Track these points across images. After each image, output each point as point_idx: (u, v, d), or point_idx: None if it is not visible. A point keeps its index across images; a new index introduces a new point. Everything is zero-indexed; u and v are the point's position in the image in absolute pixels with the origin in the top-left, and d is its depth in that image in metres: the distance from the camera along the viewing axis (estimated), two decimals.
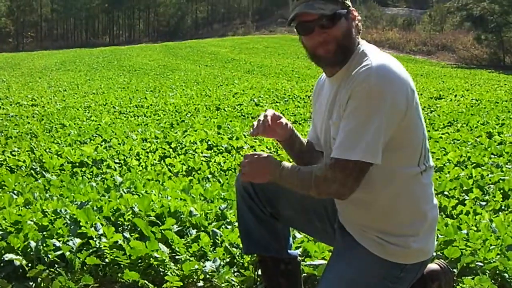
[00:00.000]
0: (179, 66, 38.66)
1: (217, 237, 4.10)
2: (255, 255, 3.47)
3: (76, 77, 32.46)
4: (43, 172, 7.52)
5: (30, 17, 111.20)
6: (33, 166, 7.86)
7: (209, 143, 9.43)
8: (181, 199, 5.15)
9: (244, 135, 10.24)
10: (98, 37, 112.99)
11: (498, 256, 3.80)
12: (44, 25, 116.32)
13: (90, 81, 29.19)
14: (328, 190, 2.69)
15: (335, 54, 2.76)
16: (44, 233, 3.96)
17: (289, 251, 3.37)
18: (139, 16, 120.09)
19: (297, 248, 3.91)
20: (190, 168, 7.76)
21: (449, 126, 11.46)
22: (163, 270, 3.73)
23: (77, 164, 8.07)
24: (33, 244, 3.70)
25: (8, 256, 3.58)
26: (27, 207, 4.93)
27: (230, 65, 39.28)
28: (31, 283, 3.51)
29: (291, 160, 3.22)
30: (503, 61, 47.16)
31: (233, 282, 3.67)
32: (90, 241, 3.87)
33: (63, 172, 7.62)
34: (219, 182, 6.73)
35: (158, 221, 4.33)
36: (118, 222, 4.36)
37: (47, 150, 9.01)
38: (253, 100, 17.44)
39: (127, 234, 4.02)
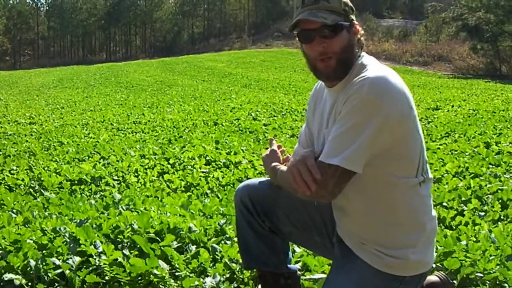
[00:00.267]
0: (176, 82, 38.69)
1: (216, 253, 4.10)
2: (255, 270, 3.48)
3: (74, 94, 32.49)
4: (42, 191, 7.52)
5: (27, 35, 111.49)
6: (32, 185, 7.85)
7: (207, 158, 9.43)
8: (180, 215, 5.14)
9: (242, 149, 10.24)
10: (95, 53, 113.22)
11: (498, 267, 3.80)
12: (41, 43, 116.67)
13: (88, 98, 29.21)
14: None
15: (335, 69, 2.78)
16: (44, 251, 3.96)
17: (288, 265, 3.38)
18: (135, 32, 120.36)
19: (296, 262, 3.91)
20: (188, 184, 7.75)
21: (447, 137, 11.46)
22: (163, 287, 3.72)
23: (76, 181, 8.07)
24: (32, 263, 3.70)
25: (8, 276, 3.57)
26: (26, 226, 4.93)
27: (227, 79, 39.31)
28: None
29: None
30: (499, 71, 47.20)
31: None
32: (90, 259, 3.87)
33: (61, 190, 7.61)
34: (218, 197, 6.73)
35: (157, 238, 4.33)
36: (118, 239, 4.36)
37: (46, 168, 9.01)
38: (251, 115, 17.44)
39: (126, 251, 4.01)
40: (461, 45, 56.09)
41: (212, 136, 12.74)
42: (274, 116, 17.12)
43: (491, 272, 3.74)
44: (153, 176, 8.38)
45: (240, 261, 3.50)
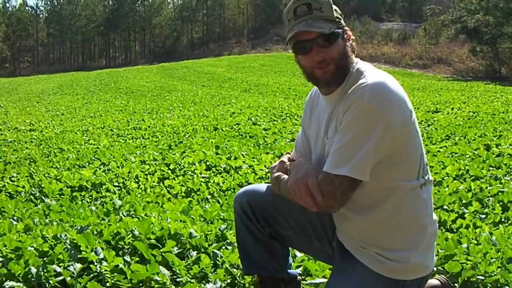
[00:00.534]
0: (176, 87, 38.68)
1: (217, 258, 4.10)
2: (255, 275, 3.48)
3: (74, 100, 32.49)
4: (43, 197, 7.51)
5: (26, 42, 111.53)
6: (32, 192, 7.85)
7: (208, 163, 9.43)
8: (181, 220, 5.14)
9: (242, 154, 10.24)
10: (95, 60, 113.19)
11: (499, 269, 3.79)
12: (41, 50, 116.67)
13: (88, 105, 29.21)
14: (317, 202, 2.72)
15: (333, 74, 2.79)
16: (45, 258, 3.96)
17: (289, 270, 3.38)
18: (134, 38, 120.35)
19: (298, 267, 3.91)
20: (189, 189, 7.75)
21: (447, 140, 11.45)
22: None
23: (76, 188, 8.06)
24: (33, 270, 3.70)
25: (9, 284, 3.57)
26: (27, 233, 4.92)
27: (226, 84, 39.31)
28: None
29: None
30: (499, 73, 47.21)
31: None
32: (91, 265, 3.87)
33: (62, 196, 7.61)
34: (219, 202, 6.73)
35: (158, 244, 4.33)
36: (119, 245, 4.36)
37: (46, 175, 9.01)
38: (251, 119, 17.44)
39: (127, 258, 4.01)
40: (461, 48, 56.11)
41: (212, 141, 12.74)
42: (274, 120, 17.12)
43: (493, 274, 3.74)
44: (153, 182, 8.38)
45: (241, 266, 3.50)
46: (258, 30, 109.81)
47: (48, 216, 6.05)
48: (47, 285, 3.63)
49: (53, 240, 4.39)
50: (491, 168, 7.91)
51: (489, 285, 3.70)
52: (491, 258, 3.96)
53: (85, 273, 3.79)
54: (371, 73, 2.76)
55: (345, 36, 2.85)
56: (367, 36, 73.81)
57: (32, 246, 4.18)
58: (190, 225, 4.89)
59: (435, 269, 3.75)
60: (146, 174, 8.85)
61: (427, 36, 66.11)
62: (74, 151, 12.57)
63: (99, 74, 60.48)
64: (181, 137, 14.22)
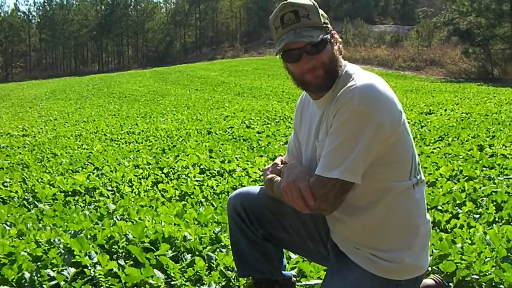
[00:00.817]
0: (169, 91, 38.64)
1: (212, 261, 4.09)
2: (250, 277, 3.48)
3: (67, 105, 32.43)
4: (36, 202, 7.49)
5: (18, 47, 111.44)
6: (26, 197, 7.82)
7: (201, 167, 9.42)
8: (175, 224, 5.14)
9: (236, 158, 10.24)
10: (87, 65, 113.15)
11: (494, 268, 3.80)
12: (33, 55, 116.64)
13: (81, 109, 29.16)
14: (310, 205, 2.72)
15: (323, 79, 2.79)
16: (38, 263, 3.96)
17: (283, 272, 3.38)
18: (127, 43, 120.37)
19: (292, 268, 3.90)
20: (183, 192, 7.74)
21: (440, 141, 11.46)
22: None
23: (70, 193, 8.04)
24: (27, 275, 3.69)
25: None
26: (21, 238, 4.91)
27: (220, 88, 39.29)
28: None
29: None
30: (491, 74, 47.25)
31: None
32: (85, 269, 3.86)
33: (55, 201, 7.59)
34: (213, 206, 6.73)
35: (152, 247, 4.32)
36: (112, 249, 4.35)
37: (39, 180, 8.98)
38: (244, 123, 17.43)
39: (121, 262, 4.00)
40: (453, 49, 56.16)
41: (205, 144, 12.72)
42: (268, 123, 17.11)
43: (487, 274, 3.74)
44: (147, 185, 8.36)
45: (235, 269, 3.50)
46: (251, 33, 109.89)
47: (41, 221, 6.03)
48: None
49: (47, 245, 4.38)
50: (484, 169, 7.92)
51: (484, 284, 3.70)
52: (486, 258, 3.96)
53: (79, 278, 3.78)
54: (360, 76, 2.76)
55: (333, 40, 2.85)
56: (360, 38, 73.87)
57: (25, 251, 4.17)
58: (184, 228, 4.88)
59: (429, 269, 3.75)
60: (140, 178, 8.83)
61: (419, 38, 66.20)
62: (67, 156, 12.53)
63: (92, 79, 60.40)
64: (175, 141, 14.21)
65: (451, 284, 3.70)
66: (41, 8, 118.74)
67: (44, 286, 3.63)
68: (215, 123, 18.04)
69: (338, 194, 2.66)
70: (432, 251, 4.02)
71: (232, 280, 3.85)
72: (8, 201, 7.59)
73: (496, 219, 5.43)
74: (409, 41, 68.32)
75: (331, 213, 2.78)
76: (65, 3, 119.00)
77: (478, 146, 10.04)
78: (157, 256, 4.08)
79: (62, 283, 3.65)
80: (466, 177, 7.36)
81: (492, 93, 26.70)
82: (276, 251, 3.33)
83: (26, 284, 3.65)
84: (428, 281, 3.35)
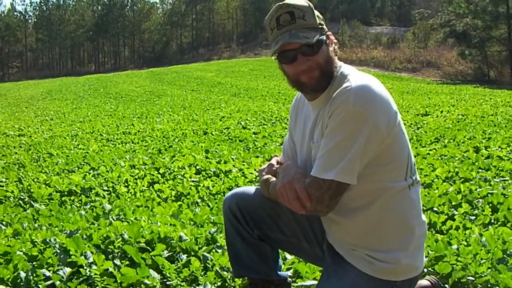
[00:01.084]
0: (166, 92, 38.62)
1: (207, 261, 4.08)
2: (246, 278, 3.47)
3: (63, 105, 32.41)
4: (32, 202, 7.49)
5: (15, 47, 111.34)
6: (21, 196, 7.81)
7: (197, 167, 9.41)
8: (170, 224, 5.13)
9: (232, 158, 10.23)
10: (84, 65, 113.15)
11: (489, 270, 3.80)
12: (30, 55, 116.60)
13: (77, 110, 29.15)
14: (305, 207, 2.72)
15: (319, 80, 2.78)
16: (34, 263, 3.95)
17: (279, 272, 3.38)
18: (124, 43, 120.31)
19: (288, 269, 3.90)
20: (179, 193, 7.73)
21: (436, 142, 11.46)
22: None
23: (66, 193, 8.03)
24: (23, 274, 3.68)
25: None
26: (16, 237, 4.91)
27: (216, 89, 39.26)
28: None
29: None
30: (487, 76, 47.30)
31: None
32: (81, 269, 3.85)
33: (51, 201, 7.58)
34: (209, 206, 6.72)
35: (148, 247, 4.32)
36: (108, 249, 4.34)
37: (35, 180, 8.98)
38: (240, 123, 17.43)
39: (117, 262, 4.00)
40: (449, 51, 56.25)
41: (202, 145, 12.72)
42: (264, 124, 17.12)
43: (483, 275, 3.74)
44: (143, 186, 8.35)
45: (231, 269, 3.49)
46: (247, 34, 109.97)
47: (37, 221, 6.04)
48: None
49: (42, 245, 4.38)
50: (480, 170, 7.92)
51: (480, 285, 3.70)
52: (481, 259, 3.96)
53: (75, 277, 3.78)
54: (355, 76, 2.76)
55: (328, 41, 2.85)
56: (356, 40, 73.94)
57: (21, 251, 4.17)
58: (180, 228, 4.87)
59: (425, 270, 3.76)
60: (136, 179, 8.82)
61: (416, 40, 66.27)
62: (63, 156, 12.53)
63: (88, 79, 60.33)
64: (171, 142, 14.20)
65: (446, 285, 3.70)
66: (37, 8, 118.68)
67: (39, 285, 3.62)
68: (211, 123, 18.04)
69: (334, 195, 2.66)
70: (428, 253, 4.02)
71: (228, 281, 3.85)
72: (4, 201, 7.59)
73: (492, 221, 5.43)
74: (405, 42, 68.40)
75: (327, 215, 2.78)
76: (61, 3, 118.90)
77: (474, 148, 10.05)
78: (152, 256, 4.07)
79: (58, 282, 3.65)
80: (462, 179, 7.36)
81: (488, 95, 26.76)
82: (272, 252, 3.33)
83: (21, 284, 3.65)
84: (423, 282, 3.35)
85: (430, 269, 3.86)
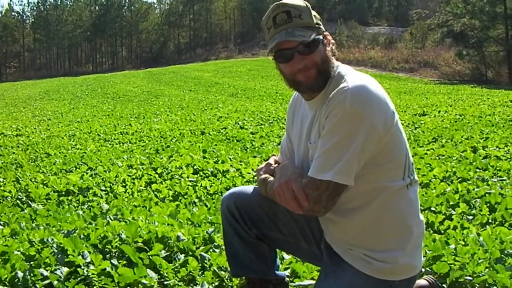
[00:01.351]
0: (163, 92, 38.60)
1: (205, 261, 4.08)
2: (243, 277, 3.47)
3: (60, 106, 32.39)
4: (29, 202, 7.48)
5: (12, 47, 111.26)
6: (19, 196, 7.81)
7: (195, 167, 9.41)
8: (168, 224, 5.13)
9: (229, 158, 10.23)
10: (81, 65, 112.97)
11: (487, 270, 3.80)
12: (27, 55, 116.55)
13: (74, 110, 29.13)
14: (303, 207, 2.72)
15: (315, 79, 2.78)
16: (31, 262, 3.95)
17: (276, 272, 3.38)
18: (121, 44, 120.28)
19: (286, 269, 3.90)
20: (176, 193, 7.72)
21: (434, 142, 11.46)
22: None
23: (63, 192, 8.03)
24: (20, 274, 3.68)
25: None
26: (14, 237, 4.91)
27: (214, 89, 39.26)
28: None
29: None
30: (485, 76, 47.32)
31: None
32: (78, 269, 3.85)
33: (49, 201, 7.58)
34: (206, 206, 6.72)
35: (145, 247, 4.32)
36: (106, 249, 4.34)
37: (33, 180, 8.97)
38: (238, 123, 17.42)
39: (115, 261, 4.00)
40: (447, 51, 56.23)
41: (199, 145, 12.72)
42: (261, 124, 17.11)
43: (480, 275, 3.74)
44: (140, 186, 8.35)
45: (229, 269, 3.49)
46: (245, 35, 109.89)
47: (34, 221, 6.03)
48: None
49: (40, 244, 4.38)
50: (478, 170, 7.93)
51: (477, 285, 3.71)
52: (479, 259, 3.96)
53: (72, 277, 3.78)
54: (352, 77, 2.75)
55: (325, 41, 2.84)
56: (353, 40, 73.89)
57: (18, 250, 4.17)
58: (177, 228, 4.87)
59: (423, 270, 3.76)
60: (133, 178, 8.82)
61: (413, 40, 66.28)
62: (61, 156, 12.52)
63: (86, 79, 60.29)
64: (168, 142, 14.19)
65: (444, 285, 3.70)
66: (35, 8, 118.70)
67: (37, 285, 3.62)
68: (208, 123, 18.04)
69: (331, 196, 2.66)
70: (426, 252, 4.02)
71: (225, 280, 3.85)
72: (1, 201, 7.58)
73: (490, 221, 5.44)
74: (403, 42, 68.40)
75: (324, 215, 2.78)
76: (59, 3, 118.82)
77: (471, 148, 10.06)
78: (150, 256, 4.07)
79: (55, 282, 3.65)
80: (460, 179, 7.36)
81: (485, 95, 26.78)
82: (269, 251, 3.33)
83: (19, 284, 3.65)
84: (421, 281, 3.35)
85: (428, 268, 3.86)
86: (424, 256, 3.78)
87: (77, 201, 7.57)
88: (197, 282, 3.85)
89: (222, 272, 3.88)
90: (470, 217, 5.56)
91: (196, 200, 7.28)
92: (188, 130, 16.50)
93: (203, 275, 3.89)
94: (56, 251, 4.17)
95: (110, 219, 5.53)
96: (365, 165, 2.68)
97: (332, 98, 2.67)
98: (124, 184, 8.47)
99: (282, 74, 2.89)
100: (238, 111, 21.71)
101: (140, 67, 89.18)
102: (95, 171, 9.75)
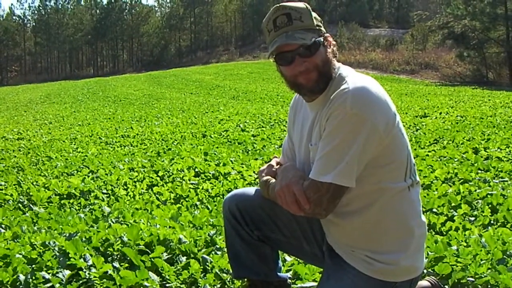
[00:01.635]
0: (164, 95, 38.60)
1: (207, 264, 4.08)
2: (245, 279, 3.47)
3: (62, 109, 32.39)
4: (31, 205, 7.47)
5: (13, 51, 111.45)
6: (21, 200, 7.81)
7: (196, 170, 9.40)
8: (170, 227, 5.12)
9: (231, 161, 10.22)
10: (82, 68, 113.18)
11: (489, 271, 3.80)
12: (28, 59, 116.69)
13: (76, 113, 29.13)
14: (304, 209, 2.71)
15: (316, 81, 2.78)
16: (33, 266, 3.95)
17: (278, 273, 3.38)
18: (122, 47, 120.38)
19: (287, 271, 3.90)
20: (178, 195, 7.72)
21: (435, 144, 11.46)
22: None
23: (65, 196, 8.03)
24: (22, 277, 3.68)
25: None
26: (16, 240, 4.90)
27: (215, 92, 39.26)
28: None
29: None
30: (486, 77, 47.27)
31: None
32: (80, 272, 3.85)
33: (50, 204, 7.58)
34: (208, 208, 6.71)
35: (147, 250, 4.31)
36: (107, 252, 4.34)
37: (34, 183, 8.97)
38: (239, 126, 17.42)
39: (116, 264, 3.99)
40: (448, 53, 56.21)
41: (200, 148, 12.71)
42: (263, 127, 17.11)
43: (483, 276, 3.74)
44: (142, 188, 8.34)
45: (231, 271, 3.49)
46: (246, 37, 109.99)
47: (36, 224, 6.03)
48: None
49: (42, 247, 4.37)
50: (479, 171, 7.92)
51: (479, 286, 3.70)
52: (481, 260, 3.96)
53: (74, 280, 3.77)
54: (353, 78, 2.75)
55: (326, 43, 2.84)
56: (354, 42, 73.89)
57: (20, 254, 4.17)
58: (179, 231, 4.87)
59: (425, 271, 3.76)
60: (135, 181, 8.81)
61: (414, 41, 66.28)
62: (62, 159, 12.52)
63: (87, 82, 60.32)
64: (170, 144, 14.19)
65: (446, 286, 3.70)
66: (36, 12, 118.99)
67: None
68: (210, 126, 18.03)
69: (332, 198, 2.66)
70: (428, 254, 4.02)
71: (227, 283, 3.84)
72: (3, 204, 7.58)
73: (492, 222, 5.43)
74: (403, 44, 68.39)
75: (326, 217, 2.77)
76: (60, 7, 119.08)
77: (473, 149, 10.05)
78: (152, 259, 4.07)
79: (57, 285, 3.65)
80: (461, 180, 7.36)
81: (487, 96, 26.76)
82: (271, 253, 3.33)
83: (21, 287, 3.65)
84: (423, 283, 3.35)
85: (430, 270, 3.86)
86: (426, 258, 3.77)
87: (79, 204, 7.56)
88: (199, 284, 3.84)
89: (224, 275, 3.88)
90: (472, 218, 5.55)
91: (198, 203, 7.27)
92: (189, 132, 16.50)
93: (205, 278, 3.89)
94: (57, 254, 4.17)
95: (112, 222, 5.53)
96: (367, 167, 2.67)
97: (333, 100, 2.67)
98: (125, 187, 8.47)
99: (283, 76, 2.89)
100: (239, 114, 21.70)
101: (141, 70, 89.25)
102: (96, 174, 9.75)
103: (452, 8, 48.80)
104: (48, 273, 3.79)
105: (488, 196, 6.16)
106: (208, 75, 57.51)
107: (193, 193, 7.69)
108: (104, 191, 8.27)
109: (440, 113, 18.21)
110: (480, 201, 6.09)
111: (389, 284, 2.82)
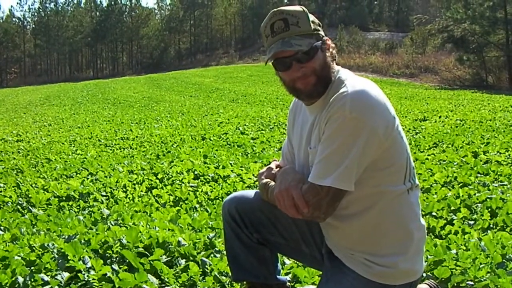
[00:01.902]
0: (164, 98, 38.62)
1: (206, 266, 4.08)
2: (244, 282, 3.47)
3: (61, 111, 32.40)
4: (30, 207, 7.47)
5: (13, 53, 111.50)
6: (20, 202, 7.80)
7: (196, 173, 9.40)
8: (169, 229, 5.12)
9: (230, 163, 10.22)
10: (82, 71, 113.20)
11: (489, 274, 3.80)
12: (28, 61, 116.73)
13: (75, 115, 29.14)
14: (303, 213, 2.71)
15: (315, 86, 2.77)
16: (32, 268, 3.95)
17: (278, 276, 3.37)
18: (122, 49, 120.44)
19: (287, 274, 3.89)
20: (177, 198, 7.72)
21: (435, 147, 11.46)
22: None
23: (64, 198, 8.02)
24: (21, 279, 3.68)
25: None
26: (14, 242, 4.89)
27: (214, 94, 39.27)
28: None
29: None
30: (485, 81, 47.25)
31: None
32: (79, 274, 3.85)
33: (49, 206, 7.57)
34: (207, 211, 6.71)
35: (146, 252, 4.31)
36: (106, 254, 4.34)
37: (33, 185, 8.96)
38: (239, 129, 17.42)
39: (115, 266, 3.99)
40: (447, 57, 56.23)
41: (200, 150, 12.71)
42: (262, 129, 17.11)
43: (482, 280, 3.74)
44: (141, 191, 8.34)
45: (230, 273, 3.49)
46: (245, 40, 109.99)
47: (35, 226, 6.02)
48: None
49: (41, 250, 4.37)
50: (479, 175, 7.92)
51: None
52: (480, 264, 3.96)
53: (73, 282, 3.77)
54: (352, 81, 2.74)
55: (325, 46, 2.83)
56: (354, 46, 73.94)
57: (19, 256, 4.16)
58: (178, 233, 4.86)
59: (424, 274, 3.76)
60: (134, 184, 8.81)
61: (414, 45, 66.22)
62: (61, 161, 12.52)
63: (87, 85, 60.29)
64: (169, 147, 14.19)
65: None
66: (36, 14, 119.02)
67: None
68: (209, 129, 18.04)
69: (331, 202, 2.66)
70: (427, 257, 4.02)
71: (226, 285, 3.84)
72: (2, 206, 7.58)
73: (491, 225, 5.43)
74: (403, 48, 68.37)
75: (324, 221, 2.77)
76: (60, 9, 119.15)
77: (472, 153, 10.05)
78: (151, 261, 4.07)
79: (56, 287, 3.64)
80: (461, 184, 7.36)
81: (486, 100, 26.76)
82: (271, 256, 3.32)
83: None
84: (423, 286, 3.35)
85: (429, 273, 3.86)
86: (425, 261, 3.77)
87: (78, 207, 7.56)
88: (198, 287, 3.84)
89: (223, 277, 3.87)
90: (471, 222, 5.55)
91: (197, 205, 7.27)
92: (188, 135, 16.50)
93: (204, 280, 3.88)
94: (56, 256, 4.16)
95: (111, 224, 5.53)
96: (366, 170, 2.67)
97: (332, 103, 2.67)
98: (124, 190, 8.46)
99: (281, 81, 2.89)
100: (239, 117, 21.71)
101: (140, 73, 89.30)
102: (95, 176, 9.74)
103: (451, 12, 48.81)
104: (47, 275, 3.79)
105: (488, 200, 6.16)
106: (208, 77, 57.54)
107: (193, 196, 7.69)
108: (103, 193, 8.26)
109: (440, 117, 18.21)
110: (479, 204, 6.09)
111: (388, 287, 2.82)
